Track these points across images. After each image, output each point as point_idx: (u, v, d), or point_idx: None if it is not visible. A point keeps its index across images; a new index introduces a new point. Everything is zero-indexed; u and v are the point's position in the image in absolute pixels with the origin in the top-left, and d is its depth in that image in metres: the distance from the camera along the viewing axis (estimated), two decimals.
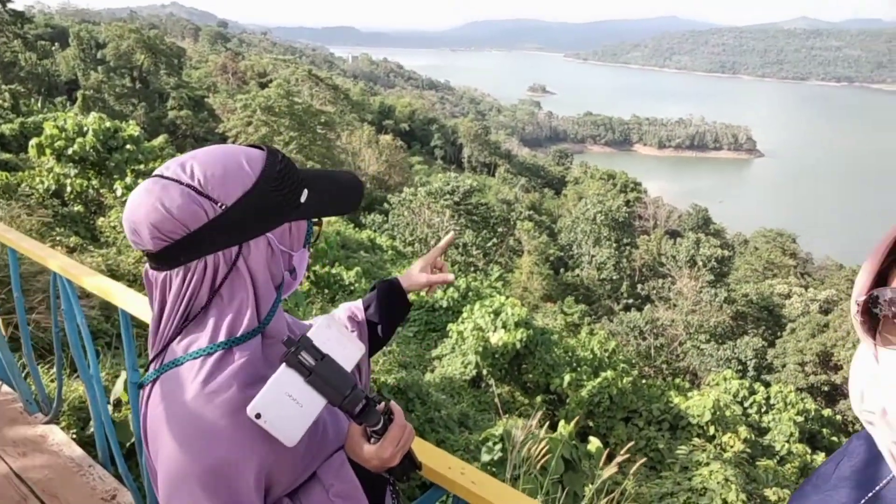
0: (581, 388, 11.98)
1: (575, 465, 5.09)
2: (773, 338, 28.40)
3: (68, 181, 12.12)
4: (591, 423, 11.60)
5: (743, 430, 11.15)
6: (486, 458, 5.20)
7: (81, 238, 11.02)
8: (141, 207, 0.90)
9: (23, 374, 2.98)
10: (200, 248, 0.91)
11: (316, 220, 1.08)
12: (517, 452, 4.66)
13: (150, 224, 0.90)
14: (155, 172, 0.94)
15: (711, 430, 11.23)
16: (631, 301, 35.06)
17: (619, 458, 3.45)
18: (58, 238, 9.83)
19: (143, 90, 44.77)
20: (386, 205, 34.37)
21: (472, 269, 30.48)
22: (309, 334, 0.95)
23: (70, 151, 12.29)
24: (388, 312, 1.38)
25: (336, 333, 0.98)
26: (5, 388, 3.03)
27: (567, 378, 12.11)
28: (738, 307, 30.05)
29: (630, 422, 11.78)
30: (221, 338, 0.93)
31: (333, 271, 14.12)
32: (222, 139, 39.59)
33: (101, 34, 47.99)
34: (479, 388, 12.22)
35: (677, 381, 18.39)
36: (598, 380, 12.08)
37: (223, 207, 0.91)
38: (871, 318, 0.60)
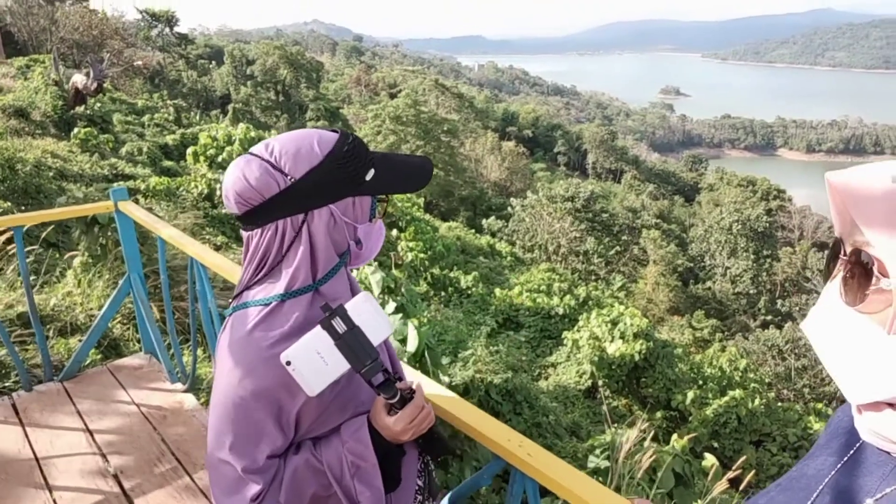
0: (706, 407, 11.30)
1: (687, 480, 4.86)
2: None
3: (218, 186, 13.44)
4: (715, 445, 10.91)
5: None
6: (592, 465, 5.11)
7: (227, 237, 12.17)
8: (230, 178, 1.10)
9: (168, 350, 3.41)
10: (272, 213, 1.08)
11: (381, 197, 1.20)
12: (623, 461, 4.54)
13: (234, 191, 1.08)
14: (248, 151, 1.12)
15: None
16: (769, 318, 32.37)
17: (730, 474, 3.26)
18: (207, 236, 10.94)
19: (286, 102, 48.42)
20: (508, 210, 34.46)
21: (594, 277, 29.71)
22: (346, 305, 1.08)
23: (220, 159, 13.64)
24: None
25: (370, 309, 1.11)
26: (153, 359, 3.49)
27: (690, 395, 11.49)
28: None
29: (762, 446, 10.94)
30: (278, 291, 1.10)
31: (451, 275, 14.44)
32: None
33: (250, 52, 52.58)
34: (594, 399, 11.92)
35: (818, 406, 16.76)
36: (726, 399, 11.34)
37: (292, 180, 1.07)
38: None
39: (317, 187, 1.09)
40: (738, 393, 11.35)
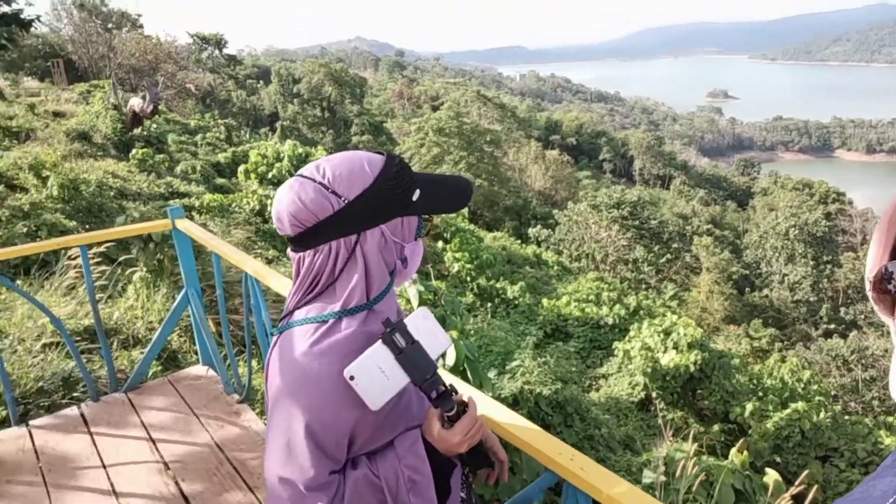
0: (766, 420, 10.86)
1: (748, 496, 4.67)
2: None
3: (269, 202, 13.79)
4: (778, 459, 10.46)
5: None
6: (647, 479, 4.97)
7: (278, 251, 12.46)
8: (283, 200, 1.12)
9: (224, 362, 3.50)
10: (327, 234, 1.11)
11: (426, 216, 1.24)
12: (678, 476, 4.40)
13: (289, 213, 1.11)
14: (297, 173, 1.15)
15: None
16: (832, 326, 30.99)
17: (793, 490, 3.12)
18: (258, 250, 11.22)
19: (331, 118, 49.44)
20: (552, 220, 34.16)
21: (644, 286, 29.08)
22: (406, 321, 1.12)
23: (270, 175, 14.00)
24: None
25: (428, 324, 1.15)
26: (210, 372, 3.59)
27: (750, 407, 11.07)
28: None
29: (828, 462, 10.43)
30: (335, 309, 1.12)
31: (498, 285, 14.37)
32: None
33: (296, 71, 53.97)
34: (648, 412, 11.62)
35: (889, 419, 15.89)
36: (788, 411, 10.87)
37: (346, 202, 1.10)
38: (889, 295, 0.56)
39: (369, 208, 1.12)
40: (801, 405, 10.87)
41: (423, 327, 1.13)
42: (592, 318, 14.53)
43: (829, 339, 26.80)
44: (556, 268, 24.59)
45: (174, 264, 5.64)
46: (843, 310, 31.37)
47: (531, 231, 32.79)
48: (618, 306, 15.27)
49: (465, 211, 19.04)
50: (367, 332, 1.12)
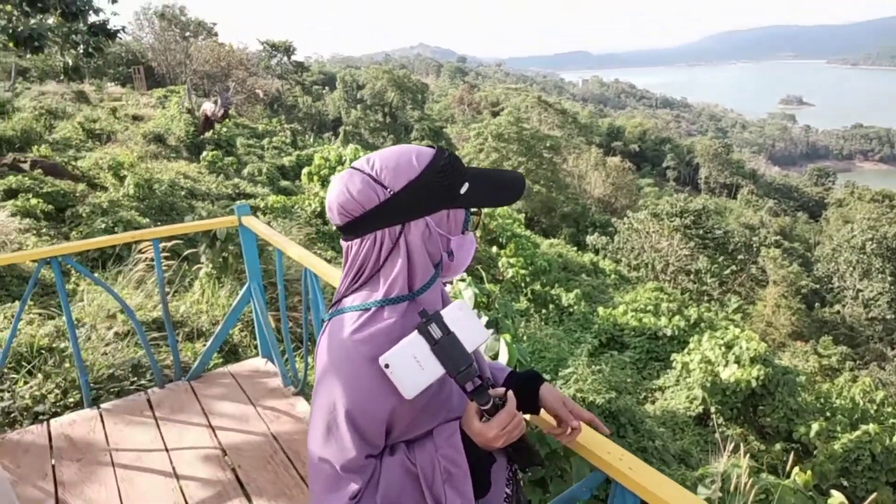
0: (834, 441, 10.33)
1: None
2: None
3: None
4: (845, 483, 9.93)
5: None
6: (701, 494, 4.82)
7: (336, 252, 12.76)
8: (333, 190, 1.17)
9: (282, 356, 3.63)
10: (372, 224, 1.14)
11: (474, 210, 1.25)
12: (734, 493, 4.26)
13: (338, 203, 1.15)
14: (350, 165, 1.19)
15: None
16: None
17: None
18: (318, 251, 11.53)
19: (392, 123, 50.22)
20: (610, 228, 33.55)
21: (706, 298, 28.14)
22: (442, 312, 1.12)
23: (331, 178, 14.35)
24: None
25: (465, 316, 1.14)
26: (269, 365, 3.74)
27: (815, 427, 10.55)
28: None
29: None
30: (377, 297, 1.15)
31: (553, 292, 14.23)
32: None
33: (360, 77, 55.14)
34: (706, 427, 11.24)
35: None
36: (858, 433, 10.30)
37: (391, 193, 1.13)
38: None
39: (415, 200, 1.14)
40: (872, 427, 10.27)
41: (460, 319, 1.13)
42: (650, 329, 14.18)
43: None
44: (613, 276, 24.13)
45: (238, 262, 5.89)
46: None
47: (589, 239, 32.29)
48: (677, 317, 14.85)
49: (522, 216, 18.95)
50: (406, 323, 1.14)
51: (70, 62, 9.92)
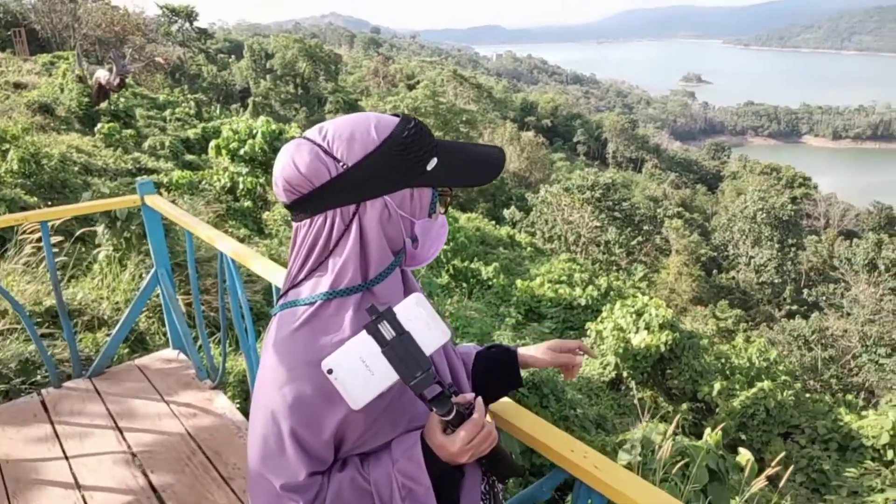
0: (733, 399, 11.11)
1: (721, 476, 4.73)
2: None
3: (240, 179, 13.47)
4: (743, 437, 10.73)
5: None
6: (622, 460, 5.00)
7: (250, 230, 12.21)
8: (279, 163, 1.01)
9: (196, 345, 3.37)
10: (323, 202, 0.99)
11: (443, 190, 1.09)
12: (655, 457, 4.43)
13: (283, 178, 1.00)
14: (302, 134, 1.04)
15: (890, 454, 9.87)
16: (795, 307, 31.82)
17: (769, 471, 3.15)
18: (229, 229, 10.98)
19: (304, 95, 48.53)
20: (528, 201, 34.26)
21: (615, 267, 29.41)
22: (396, 308, 0.96)
23: (242, 152, 13.66)
24: (496, 384, 1.29)
25: (423, 313, 0.98)
26: (181, 356, 3.45)
27: (717, 386, 11.31)
28: None
29: (790, 438, 10.73)
30: (323, 289, 1.00)
31: (472, 266, 14.34)
32: None
33: (269, 46, 52.74)
34: (619, 391, 11.79)
35: (849, 397, 16.41)
36: (754, 390, 11.13)
37: (344, 167, 0.98)
38: None
39: (372, 175, 0.99)
40: (767, 384, 11.14)
41: (417, 316, 0.97)
42: (565, 299, 14.63)
43: (791, 320, 27.54)
44: (529, 249, 24.68)
45: (142, 242, 5.45)
46: (805, 291, 32.19)
47: (506, 212, 32.82)
48: (590, 287, 15.41)
49: None
50: (357, 320, 0.99)
51: None
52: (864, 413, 11.87)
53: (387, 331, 0.93)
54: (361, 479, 1.00)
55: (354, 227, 1.00)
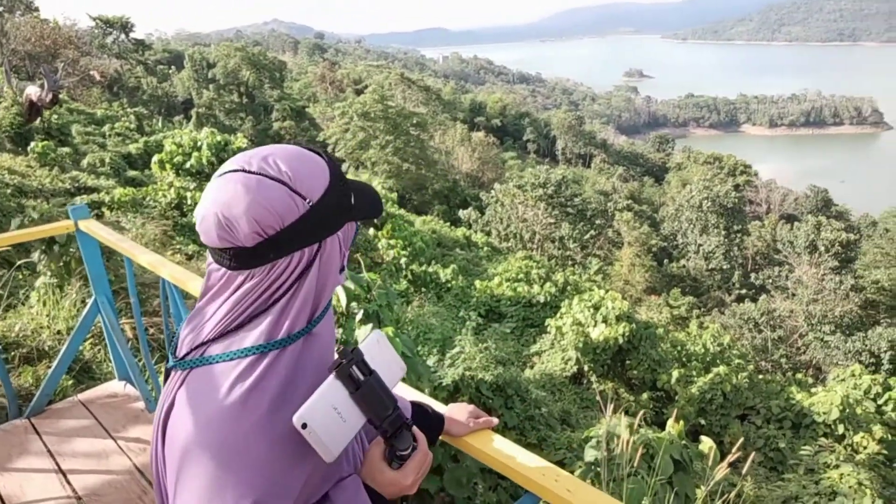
0: (691, 385, 11.38)
1: (685, 465, 4.81)
2: None
3: (188, 193, 13.06)
4: (702, 422, 10.99)
5: (878, 430, 10.11)
6: (589, 457, 5.02)
7: (198, 245, 11.85)
8: (240, 201, 0.88)
9: (144, 375, 3.20)
10: (291, 244, 0.91)
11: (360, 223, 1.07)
12: (622, 452, 4.47)
13: (252, 218, 0.87)
14: (234, 167, 0.91)
15: (840, 429, 10.28)
16: (744, 291, 32.97)
17: (730, 457, 3.21)
18: (178, 246, 10.62)
19: (250, 104, 47.57)
20: (482, 200, 34.45)
21: (570, 262, 29.86)
22: (360, 347, 0.93)
23: (187, 165, 13.25)
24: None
25: (384, 350, 0.97)
26: (129, 387, 3.28)
27: (675, 374, 11.56)
28: (867, 295, 27.42)
29: (746, 420, 11.06)
30: (269, 338, 0.91)
31: (430, 270, 14.29)
32: (323, 147, 41.35)
33: (211, 55, 51.51)
34: (581, 385, 11.92)
35: (798, 375, 17.06)
36: (710, 376, 11.43)
37: (310, 204, 0.91)
38: None
39: (331, 211, 0.94)
40: (722, 369, 11.46)
41: (379, 354, 0.95)
42: (524, 297, 14.74)
43: (741, 304, 28.50)
44: (485, 249, 24.80)
45: (83, 266, 5.20)
46: (752, 275, 33.35)
47: (462, 213, 32.94)
48: (548, 284, 15.57)
49: (394, 196, 18.81)
50: (301, 363, 0.92)
51: None
52: (813, 390, 12.35)
53: (356, 373, 0.90)
54: None
55: (316, 265, 0.94)
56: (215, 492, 0.84)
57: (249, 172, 0.90)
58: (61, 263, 5.31)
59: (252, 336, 0.90)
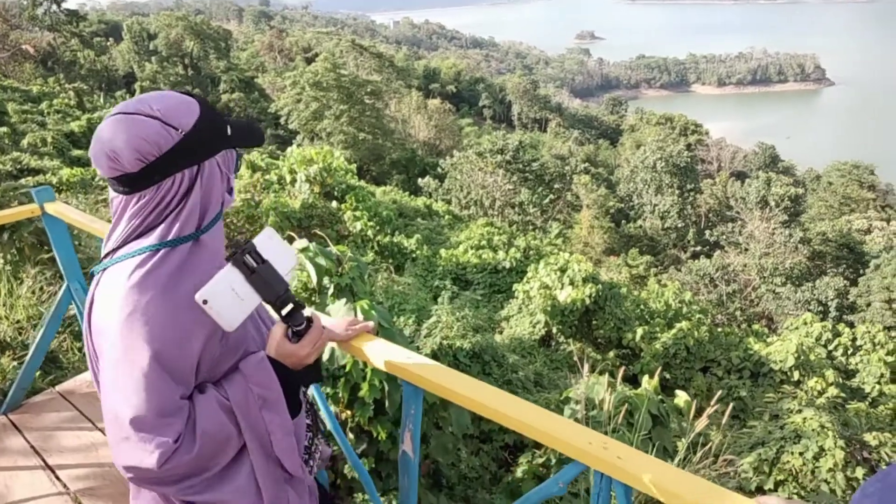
0: (655, 341, 11.71)
1: (663, 420, 4.96)
2: (856, 276, 26.95)
3: None
4: (668, 376, 11.36)
5: (830, 374, 10.65)
6: (568, 415, 5.13)
7: None
8: (119, 136, 1.10)
9: None
10: (171, 166, 1.13)
11: (241, 151, 1.31)
12: (601, 411, 4.57)
13: (133, 148, 1.10)
14: (116, 111, 1.13)
15: (796, 375, 10.79)
16: (699, 248, 33.93)
17: (709, 411, 3.32)
18: None
19: (196, 76, 45.80)
20: (439, 169, 34.23)
21: (531, 227, 30.12)
22: (254, 241, 1.17)
23: None
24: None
25: (276, 244, 1.20)
26: None
27: (640, 332, 11.87)
28: (814, 247, 28.61)
29: (709, 371, 11.48)
30: (159, 240, 1.13)
31: (395, 240, 14.20)
32: (275, 119, 40.16)
33: (151, 25, 49.15)
34: (550, 347, 12.13)
35: (755, 327, 17.76)
36: (673, 331, 11.78)
37: (183, 133, 1.14)
38: None
39: (204, 139, 1.16)
40: (685, 324, 11.80)
41: (271, 247, 1.17)
42: (490, 264, 14.81)
43: (696, 261, 29.36)
44: (447, 217, 24.74)
45: (37, 251, 4.97)
46: (706, 233, 34.32)
47: (421, 182, 32.71)
48: (513, 250, 15.67)
49: (353, 167, 18.47)
50: (193, 262, 1.14)
51: None
52: (769, 340, 12.87)
53: (250, 261, 1.13)
54: (222, 398, 1.16)
55: (198, 184, 1.16)
56: (126, 351, 1.07)
57: (127, 114, 1.12)
58: (14, 250, 5.06)
59: (149, 240, 1.14)
